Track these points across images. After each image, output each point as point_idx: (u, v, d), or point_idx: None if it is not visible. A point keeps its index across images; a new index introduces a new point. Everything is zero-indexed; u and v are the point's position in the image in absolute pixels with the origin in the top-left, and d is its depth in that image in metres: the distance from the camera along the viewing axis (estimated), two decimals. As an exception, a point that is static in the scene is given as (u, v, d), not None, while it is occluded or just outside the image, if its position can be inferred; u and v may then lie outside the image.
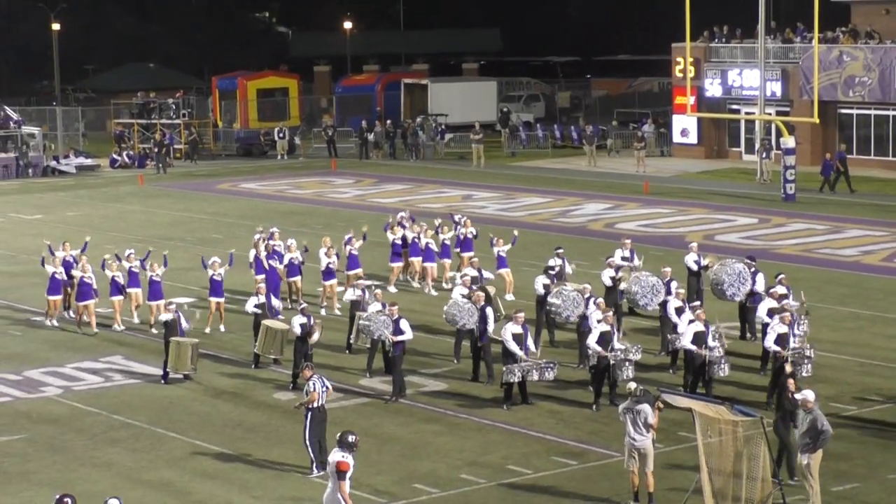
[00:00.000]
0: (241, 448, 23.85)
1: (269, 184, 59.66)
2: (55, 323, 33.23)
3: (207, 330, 31.59)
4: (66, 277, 33.40)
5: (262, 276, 33.44)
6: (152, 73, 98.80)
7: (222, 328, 32.14)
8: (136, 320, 33.03)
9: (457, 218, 37.92)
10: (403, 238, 36.26)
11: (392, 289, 35.48)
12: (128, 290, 32.98)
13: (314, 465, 22.37)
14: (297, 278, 34.34)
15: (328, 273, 33.88)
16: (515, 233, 36.20)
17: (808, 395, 20.44)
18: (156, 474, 22.75)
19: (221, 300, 32.29)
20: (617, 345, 25.86)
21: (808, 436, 20.10)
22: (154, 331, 28.01)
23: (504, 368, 25.79)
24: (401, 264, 36.44)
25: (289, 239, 35.53)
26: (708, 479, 19.26)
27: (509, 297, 33.98)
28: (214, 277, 32.19)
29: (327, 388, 22.80)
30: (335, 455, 18.58)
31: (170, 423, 25.41)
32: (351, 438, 18.65)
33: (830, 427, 20.25)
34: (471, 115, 72.68)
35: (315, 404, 22.38)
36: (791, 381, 21.51)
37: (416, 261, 36.30)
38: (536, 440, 24.18)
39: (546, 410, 25.81)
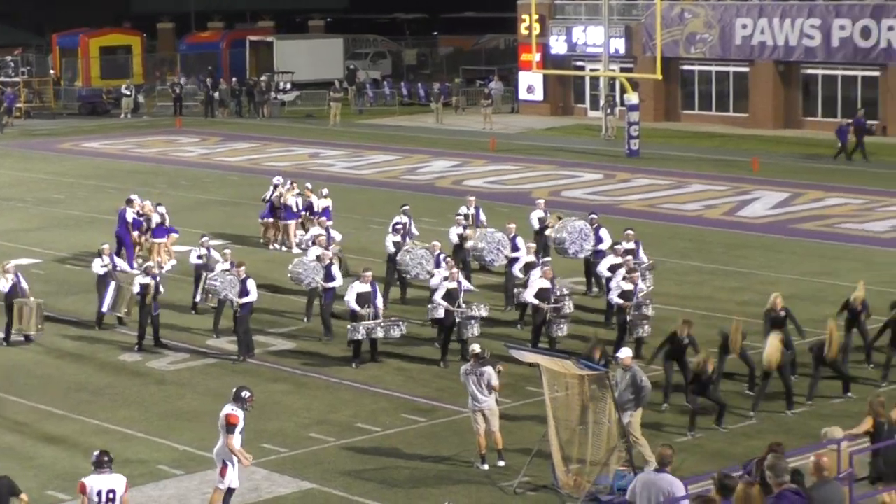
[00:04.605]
0: (86, 411, 23.53)
1: (112, 142, 58.70)
2: None
3: None
4: None
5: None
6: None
7: None
8: None
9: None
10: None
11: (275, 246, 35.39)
12: None
13: None
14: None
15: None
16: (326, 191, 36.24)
17: (626, 353, 20.81)
18: (-2, 440, 22.36)
19: None
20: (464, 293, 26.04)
21: (628, 392, 20.39)
22: None
23: (348, 327, 25.80)
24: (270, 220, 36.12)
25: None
26: (555, 433, 19.47)
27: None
28: None
29: None
30: (226, 408, 18.55)
31: (11, 387, 24.93)
32: (244, 394, 18.72)
33: (650, 383, 20.62)
34: (317, 73, 72.15)
35: None
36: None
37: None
38: (385, 398, 24.23)
39: (394, 368, 25.87)
